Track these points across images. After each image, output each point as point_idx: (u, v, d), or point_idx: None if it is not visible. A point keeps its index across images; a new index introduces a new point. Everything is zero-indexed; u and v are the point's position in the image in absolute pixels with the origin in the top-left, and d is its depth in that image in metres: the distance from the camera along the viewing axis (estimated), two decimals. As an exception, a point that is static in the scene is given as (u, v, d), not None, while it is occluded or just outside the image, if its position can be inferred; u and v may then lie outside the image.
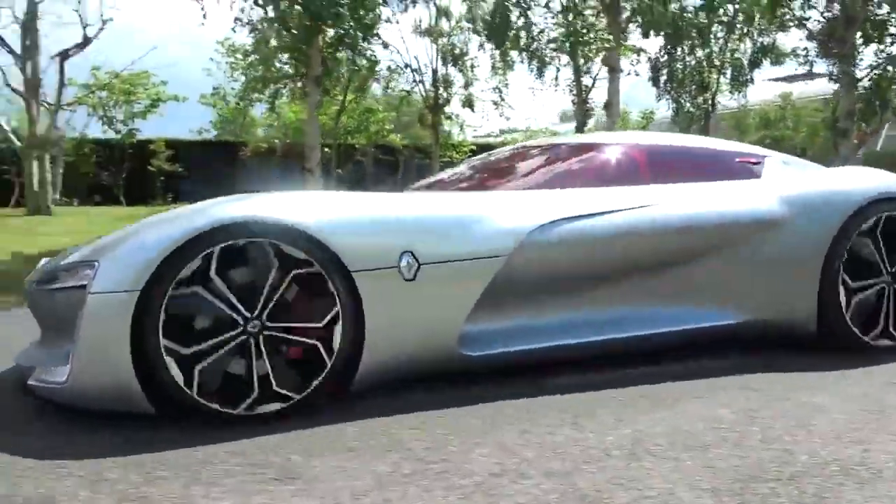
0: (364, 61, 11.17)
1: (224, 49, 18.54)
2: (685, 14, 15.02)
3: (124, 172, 18.55)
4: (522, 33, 16.18)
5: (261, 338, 2.24)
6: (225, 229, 2.22)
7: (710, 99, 18.03)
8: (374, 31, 10.05)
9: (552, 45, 13.61)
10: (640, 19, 11.27)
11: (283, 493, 1.63)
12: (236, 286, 2.25)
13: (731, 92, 18.79)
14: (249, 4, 10.40)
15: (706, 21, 16.57)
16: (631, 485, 1.62)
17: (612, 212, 2.93)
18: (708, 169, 3.45)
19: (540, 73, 17.68)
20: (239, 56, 17.88)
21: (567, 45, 11.30)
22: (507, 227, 2.71)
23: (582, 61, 15.71)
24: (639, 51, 13.10)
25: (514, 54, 17.76)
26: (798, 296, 3.07)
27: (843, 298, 3.01)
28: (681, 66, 18.69)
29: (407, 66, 18.33)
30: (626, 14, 10.52)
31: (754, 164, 3.51)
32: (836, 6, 12.58)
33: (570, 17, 10.95)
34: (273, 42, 14.24)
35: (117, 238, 2.42)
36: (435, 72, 18.44)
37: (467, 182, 3.69)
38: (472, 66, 19.25)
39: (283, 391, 2.24)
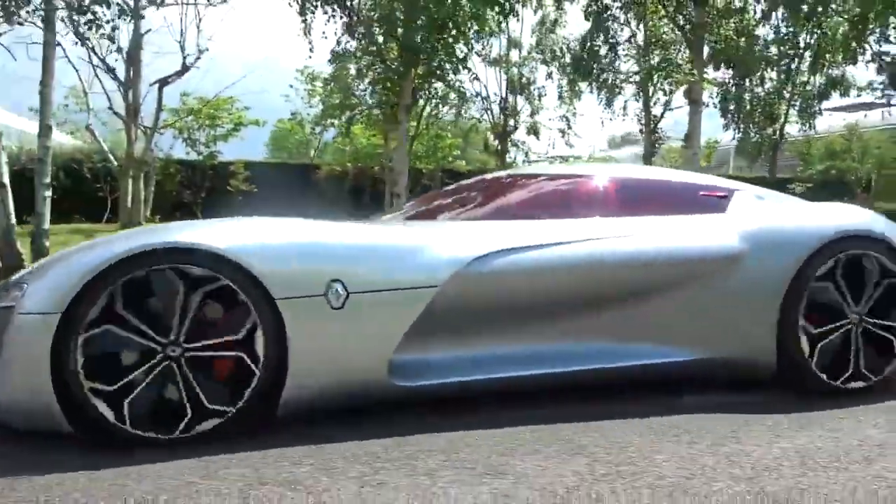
0: (452, 93, 11.66)
1: (303, 77, 19.36)
2: (755, 46, 15.15)
3: (204, 192, 19.39)
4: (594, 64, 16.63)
5: (183, 360, 2.24)
6: (130, 261, 2.22)
7: (778, 129, 18.06)
8: (466, 64, 10.56)
9: (633, 78, 13.93)
10: (718, 54, 11.53)
11: (503, 485, 1.81)
12: (148, 314, 2.25)
13: (800, 123, 18.78)
14: (345, 38, 11.00)
15: (777, 53, 16.69)
16: (812, 491, 1.79)
17: (559, 244, 2.83)
18: (669, 202, 3.33)
19: (609, 103, 18.04)
20: (317, 83, 18.68)
21: (652, 78, 11.58)
22: (443, 257, 2.64)
23: (651, 91, 16.07)
24: (721, 84, 13.30)
25: (582, 84, 18.21)
26: (757, 334, 2.92)
27: (805, 346, 2.86)
28: (749, 97, 18.82)
29: (477, 94, 18.89)
30: (707, 50, 10.78)
31: (720, 197, 3.37)
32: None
33: (654, 51, 11.25)
34: (353, 71, 15.00)
35: (50, 260, 2.49)
36: (504, 99, 18.91)
37: (421, 212, 3.60)
38: (540, 96, 19.73)
39: (217, 407, 2.25)
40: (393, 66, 10.31)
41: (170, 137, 18.92)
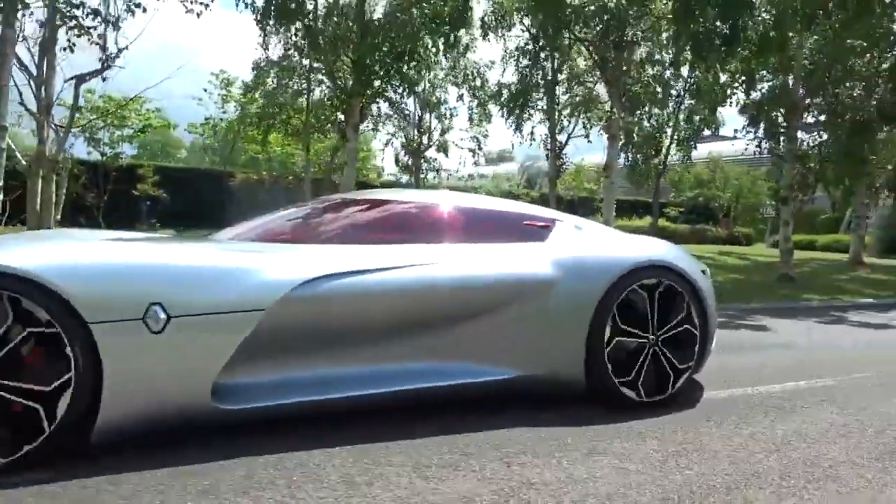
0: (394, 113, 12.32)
1: (217, 81, 19.10)
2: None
3: (106, 194, 18.57)
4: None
5: None
6: None
7: (663, 160, 20.24)
8: (416, 88, 11.19)
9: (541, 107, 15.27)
10: (635, 96, 13.09)
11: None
12: None
13: (680, 155, 21.11)
14: (293, 53, 11.29)
15: (661, 91, 18.81)
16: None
17: (383, 269, 2.88)
18: (494, 231, 3.44)
19: (518, 128, 19.37)
20: (233, 89, 18.51)
21: (575, 112, 12.89)
22: (270, 280, 2.60)
23: (558, 120, 17.57)
24: (636, 122, 14.94)
25: (492, 108, 19.41)
26: (567, 353, 3.11)
27: (608, 359, 3.11)
28: (636, 130, 20.93)
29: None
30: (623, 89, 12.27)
31: (542, 227, 3.52)
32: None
33: (574, 87, 12.60)
34: (273, 83, 15.18)
35: None
36: (420, 118, 19.73)
37: (267, 232, 3.52)
38: (451, 115, 20.74)
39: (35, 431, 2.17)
40: (343, 86, 10.77)
41: (70, 136, 17.97)
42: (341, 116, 11.17)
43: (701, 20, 9.60)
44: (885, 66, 13.58)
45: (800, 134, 15.24)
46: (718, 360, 4.11)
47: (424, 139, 20.25)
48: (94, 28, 8.27)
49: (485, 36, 13.74)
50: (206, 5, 9.87)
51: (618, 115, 11.58)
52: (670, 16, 10.22)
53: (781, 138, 15.13)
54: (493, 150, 37.95)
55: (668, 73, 11.54)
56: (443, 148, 21.36)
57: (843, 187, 15.93)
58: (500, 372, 3.07)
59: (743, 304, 9.69)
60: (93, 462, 2.30)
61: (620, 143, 12.36)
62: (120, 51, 15.29)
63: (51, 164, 14.02)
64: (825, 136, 15.83)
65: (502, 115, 19.13)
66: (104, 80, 14.25)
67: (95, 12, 8.20)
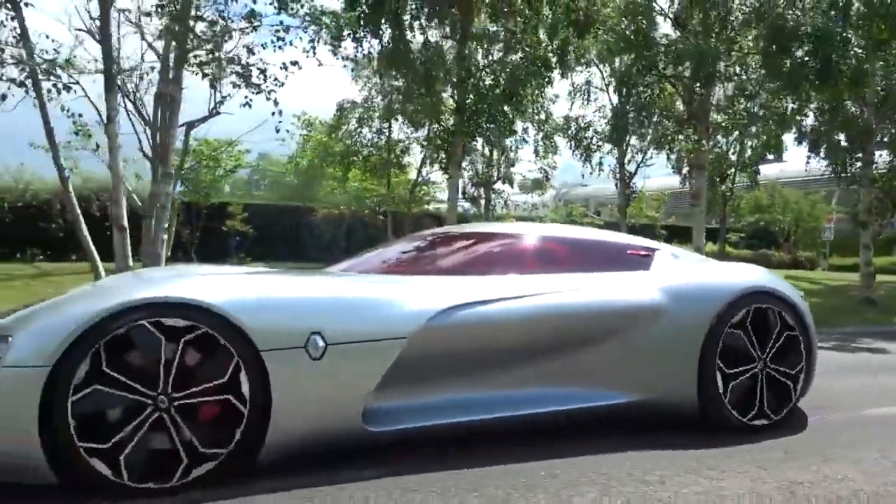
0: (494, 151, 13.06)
1: (299, 122, 20.22)
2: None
3: (199, 231, 19.59)
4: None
5: (172, 409, 2.27)
6: (112, 318, 2.21)
7: (731, 186, 20.60)
8: (514, 130, 11.92)
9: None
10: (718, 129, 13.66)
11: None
12: (134, 370, 2.25)
13: (744, 181, 21.47)
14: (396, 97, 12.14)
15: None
16: None
17: (510, 298, 3.01)
18: (601, 260, 3.54)
19: (586, 159, 19.97)
20: (313, 129, 19.54)
21: (666, 147, 13.52)
22: (411, 310, 2.76)
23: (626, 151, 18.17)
24: (712, 151, 15.46)
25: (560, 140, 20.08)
26: (680, 379, 3.17)
27: (720, 384, 3.16)
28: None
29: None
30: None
31: (644, 256, 3.62)
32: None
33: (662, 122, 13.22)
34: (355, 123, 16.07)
35: (36, 310, 2.37)
36: (492, 152, 20.47)
37: (384, 264, 3.72)
38: (518, 149, 21.45)
39: (211, 450, 2.31)
40: (446, 127, 11.53)
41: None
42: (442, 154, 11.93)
43: (794, 55, 10.15)
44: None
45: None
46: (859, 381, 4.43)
47: (494, 172, 20.95)
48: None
49: (563, 75, 14.46)
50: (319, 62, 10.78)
51: (706, 146, 12.14)
52: (757, 55, 10.79)
53: (849, 162, 15.44)
54: (528, 178, 38.41)
55: (756, 105, 12.04)
56: (509, 179, 22.08)
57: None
58: (618, 396, 3.15)
59: (833, 327, 9.73)
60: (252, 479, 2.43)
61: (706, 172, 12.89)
62: (224, 98, 16.56)
63: (161, 205, 15.14)
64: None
65: (569, 147, 19.79)
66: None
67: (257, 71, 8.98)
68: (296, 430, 2.52)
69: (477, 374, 2.92)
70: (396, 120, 14.00)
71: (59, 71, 8.74)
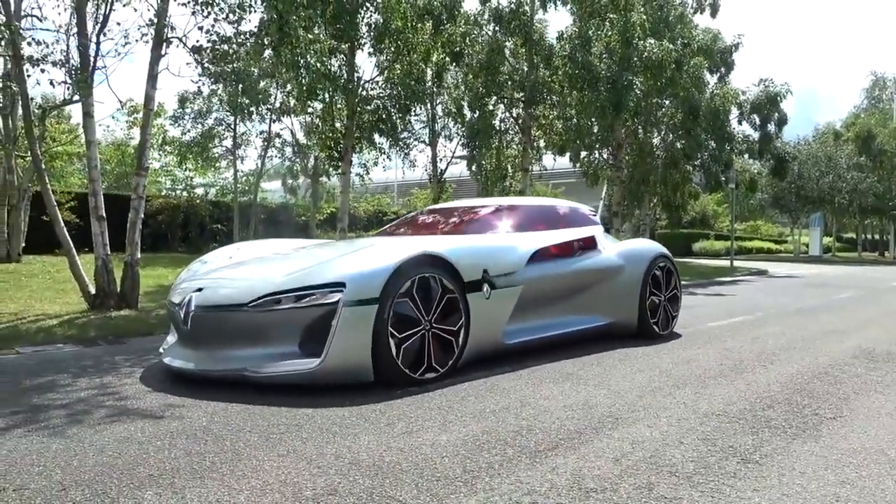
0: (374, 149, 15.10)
1: (125, 110, 19.69)
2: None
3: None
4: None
5: (426, 330, 3.38)
6: (417, 260, 3.40)
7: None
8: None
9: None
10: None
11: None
12: (423, 300, 3.36)
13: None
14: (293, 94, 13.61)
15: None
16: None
17: (556, 258, 4.49)
18: (579, 219, 5.21)
19: (406, 156, 22.89)
20: (137, 116, 19.30)
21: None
22: (518, 257, 4.08)
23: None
24: (540, 157, 19.51)
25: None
26: (629, 309, 4.93)
27: (648, 312, 5.01)
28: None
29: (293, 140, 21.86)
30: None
31: (593, 215, 5.45)
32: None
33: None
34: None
35: (352, 261, 3.33)
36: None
37: (442, 227, 4.99)
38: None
39: (436, 365, 3.41)
40: (338, 129, 13.39)
41: None
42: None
43: (599, 90, 14.32)
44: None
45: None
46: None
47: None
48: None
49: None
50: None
51: (530, 154, 15.96)
52: (573, 90, 14.78)
53: (604, 167, 20.73)
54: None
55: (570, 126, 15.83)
56: (325, 173, 24.05)
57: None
58: (601, 320, 4.77)
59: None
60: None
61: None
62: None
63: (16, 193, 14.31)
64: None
65: (388, 145, 22.50)
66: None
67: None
68: (476, 346, 3.70)
69: (546, 307, 4.31)
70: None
71: None
